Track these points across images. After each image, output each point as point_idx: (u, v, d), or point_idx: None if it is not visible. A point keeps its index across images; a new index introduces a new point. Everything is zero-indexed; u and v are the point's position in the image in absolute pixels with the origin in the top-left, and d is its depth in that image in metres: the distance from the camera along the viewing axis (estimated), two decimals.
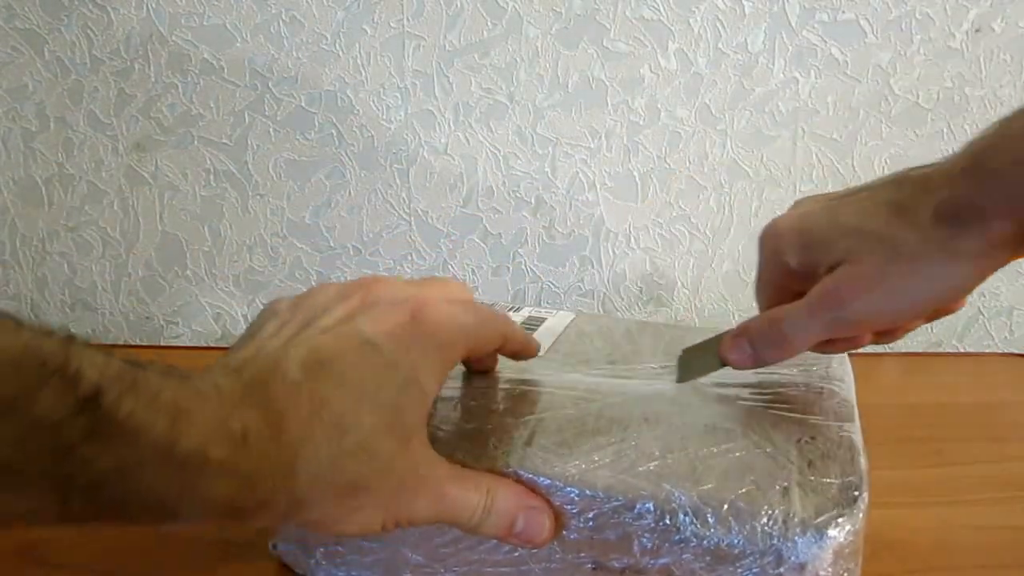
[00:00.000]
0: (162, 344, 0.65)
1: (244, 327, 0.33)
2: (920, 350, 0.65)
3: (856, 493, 0.30)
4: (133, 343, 0.65)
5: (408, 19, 0.58)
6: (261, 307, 0.34)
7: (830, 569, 0.29)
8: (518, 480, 0.32)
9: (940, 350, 0.65)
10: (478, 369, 0.38)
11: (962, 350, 0.66)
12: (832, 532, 0.29)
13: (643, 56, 0.58)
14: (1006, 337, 0.65)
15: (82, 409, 0.21)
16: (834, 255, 0.33)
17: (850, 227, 0.33)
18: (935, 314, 0.35)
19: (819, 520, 0.29)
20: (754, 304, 0.64)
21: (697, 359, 0.38)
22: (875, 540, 0.40)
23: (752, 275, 0.63)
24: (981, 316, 0.64)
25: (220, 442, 0.24)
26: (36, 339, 0.21)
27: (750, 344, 0.35)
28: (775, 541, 0.29)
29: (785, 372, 0.39)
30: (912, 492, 0.45)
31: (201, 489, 0.24)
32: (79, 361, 0.22)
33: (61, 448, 0.21)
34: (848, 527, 0.29)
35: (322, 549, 0.37)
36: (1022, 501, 0.44)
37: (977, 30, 0.57)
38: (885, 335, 0.36)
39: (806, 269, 0.34)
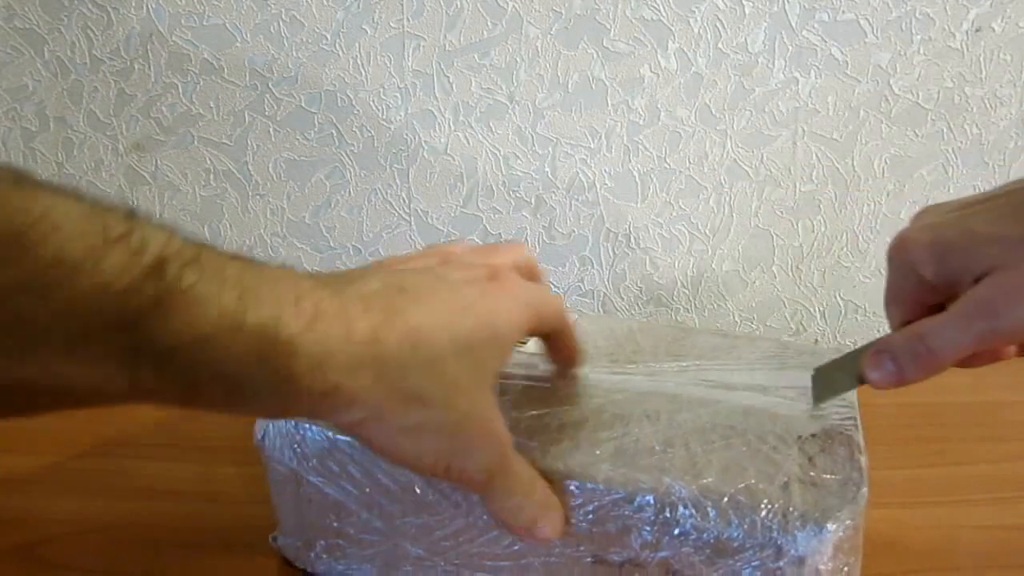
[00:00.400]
0: None
1: None
2: None
3: (855, 488, 0.31)
4: None
5: (408, 19, 0.58)
6: None
7: (829, 563, 0.30)
8: None
9: None
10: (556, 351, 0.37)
11: None
12: (831, 526, 0.29)
13: (643, 56, 0.58)
14: None
15: (147, 277, 0.21)
16: (979, 265, 0.32)
17: (991, 235, 0.32)
18: None
19: (818, 514, 0.29)
20: (753, 304, 0.64)
21: (832, 377, 0.37)
22: (875, 540, 0.40)
23: (752, 275, 0.63)
24: None
25: (292, 319, 0.24)
26: (99, 208, 0.22)
27: (893, 361, 0.33)
28: (775, 534, 0.29)
29: (788, 373, 0.39)
30: (912, 492, 0.45)
31: (272, 364, 0.24)
32: (142, 232, 0.22)
33: (129, 316, 0.21)
34: (847, 521, 0.30)
35: (322, 542, 0.37)
36: (1022, 501, 0.44)
37: (977, 30, 0.57)
38: None
39: (944, 281, 0.33)
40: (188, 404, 0.24)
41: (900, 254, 0.35)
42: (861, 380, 0.35)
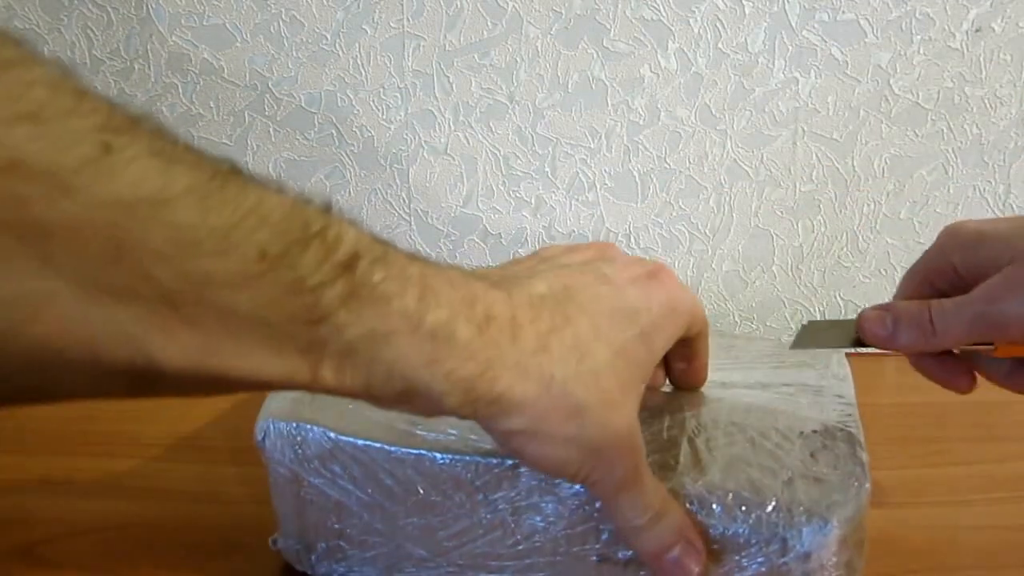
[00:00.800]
0: None
1: None
2: None
3: (859, 483, 0.31)
4: None
5: (408, 19, 0.58)
6: None
7: (835, 558, 0.30)
8: (521, 469, 0.32)
9: None
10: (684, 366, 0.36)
11: None
12: (836, 520, 0.29)
13: (643, 56, 0.58)
14: None
15: (340, 274, 0.22)
16: (1004, 257, 0.32)
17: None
18: None
19: (823, 509, 0.29)
20: (753, 304, 0.64)
21: (823, 332, 0.38)
22: (875, 540, 0.40)
23: (752, 275, 0.63)
24: None
25: (466, 322, 0.25)
26: (300, 202, 0.22)
27: (893, 321, 0.34)
28: (780, 530, 0.29)
29: (787, 371, 0.39)
30: (912, 492, 0.45)
31: (447, 365, 0.24)
32: (337, 227, 0.23)
33: (320, 311, 0.22)
34: (851, 516, 0.30)
35: (323, 544, 0.37)
36: (1022, 501, 0.44)
37: (977, 30, 0.57)
38: None
39: (969, 271, 0.33)
40: (366, 398, 0.25)
41: (945, 236, 0.35)
42: (856, 342, 0.35)
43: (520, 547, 0.33)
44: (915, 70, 0.58)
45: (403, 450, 0.34)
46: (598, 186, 0.61)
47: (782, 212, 0.62)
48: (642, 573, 0.32)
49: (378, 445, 0.34)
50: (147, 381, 0.21)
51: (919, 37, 0.57)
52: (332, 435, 0.34)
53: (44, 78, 0.19)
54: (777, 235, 0.62)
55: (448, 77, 0.59)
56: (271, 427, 0.36)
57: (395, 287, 0.24)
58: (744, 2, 0.57)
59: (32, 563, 0.39)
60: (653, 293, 0.30)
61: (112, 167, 0.19)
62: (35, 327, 0.19)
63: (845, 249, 0.63)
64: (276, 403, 0.37)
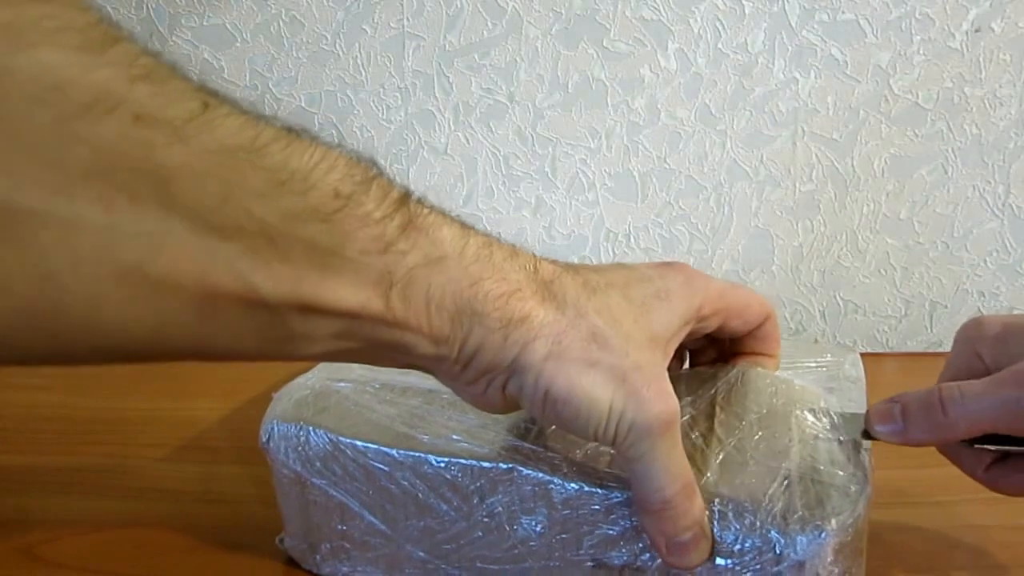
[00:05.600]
0: None
1: None
2: (920, 350, 0.65)
3: (858, 488, 0.30)
4: None
5: (408, 19, 0.58)
6: None
7: (831, 567, 0.29)
8: (517, 473, 0.32)
9: (940, 350, 0.65)
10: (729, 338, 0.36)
11: None
12: (831, 529, 0.28)
13: (643, 56, 0.58)
14: None
15: (397, 208, 0.26)
16: None
17: None
18: None
19: (819, 515, 0.29)
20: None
21: (844, 422, 0.34)
22: (875, 540, 0.40)
23: (752, 275, 0.63)
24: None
25: (499, 248, 0.29)
26: (354, 154, 0.26)
27: (902, 412, 0.31)
28: (773, 537, 0.29)
29: (798, 371, 0.38)
30: (912, 492, 0.45)
31: (486, 285, 0.27)
32: (385, 174, 0.26)
33: (386, 239, 0.25)
34: (848, 524, 0.29)
35: (327, 544, 0.37)
36: (1022, 501, 0.44)
37: (977, 30, 0.57)
38: None
39: (997, 362, 0.32)
40: (427, 336, 0.27)
41: (969, 330, 0.34)
42: (866, 434, 0.32)
43: (516, 551, 0.33)
44: (915, 70, 0.58)
45: (401, 452, 0.34)
46: (598, 186, 0.61)
47: (782, 212, 0.62)
48: None
49: (376, 447, 0.34)
50: (250, 310, 0.24)
51: (919, 37, 0.57)
52: (333, 437, 0.35)
53: (144, 49, 0.22)
54: (777, 235, 0.62)
55: (448, 77, 0.59)
56: (275, 428, 0.36)
57: (440, 219, 0.27)
58: (744, 2, 0.57)
59: (32, 563, 0.39)
60: (668, 270, 0.32)
61: (212, 120, 0.22)
62: (158, 261, 0.22)
63: (845, 249, 0.63)
64: (281, 405, 0.37)
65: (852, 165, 0.60)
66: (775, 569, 0.29)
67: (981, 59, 0.58)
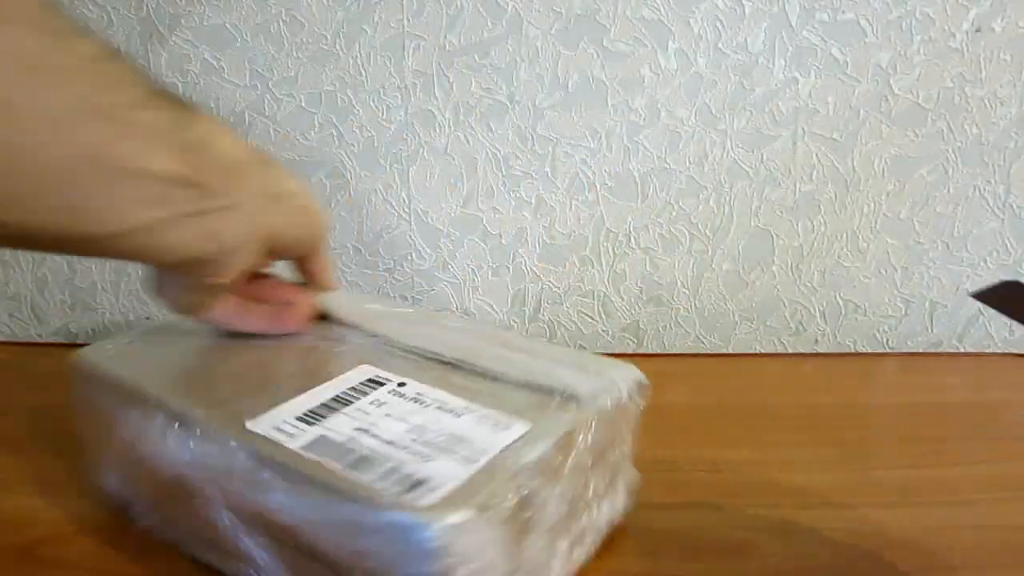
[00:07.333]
0: None
1: None
2: (920, 350, 0.65)
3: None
4: None
5: (408, 19, 0.58)
6: None
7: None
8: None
9: (940, 350, 0.65)
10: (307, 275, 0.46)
11: (962, 350, 0.66)
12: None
13: (643, 56, 0.58)
14: (1006, 337, 0.65)
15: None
16: None
17: None
18: None
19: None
20: (753, 304, 0.64)
21: None
22: (875, 540, 0.40)
23: (752, 275, 0.63)
24: (981, 316, 0.64)
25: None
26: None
27: None
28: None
29: (547, 364, 0.37)
30: (912, 492, 0.45)
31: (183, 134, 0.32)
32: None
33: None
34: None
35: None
36: (1022, 501, 0.44)
37: (977, 30, 0.57)
38: None
39: None
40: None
41: None
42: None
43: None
44: (915, 70, 0.58)
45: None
46: (598, 186, 0.61)
47: (782, 212, 0.62)
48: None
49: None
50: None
51: (919, 37, 0.57)
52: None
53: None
54: (777, 235, 0.62)
55: (448, 77, 0.59)
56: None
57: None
58: (744, 2, 0.57)
59: (32, 563, 0.39)
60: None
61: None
62: None
63: (845, 249, 0.63)
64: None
65: (852, 165, 0.60)
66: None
67: (981, 59, 0.58)
